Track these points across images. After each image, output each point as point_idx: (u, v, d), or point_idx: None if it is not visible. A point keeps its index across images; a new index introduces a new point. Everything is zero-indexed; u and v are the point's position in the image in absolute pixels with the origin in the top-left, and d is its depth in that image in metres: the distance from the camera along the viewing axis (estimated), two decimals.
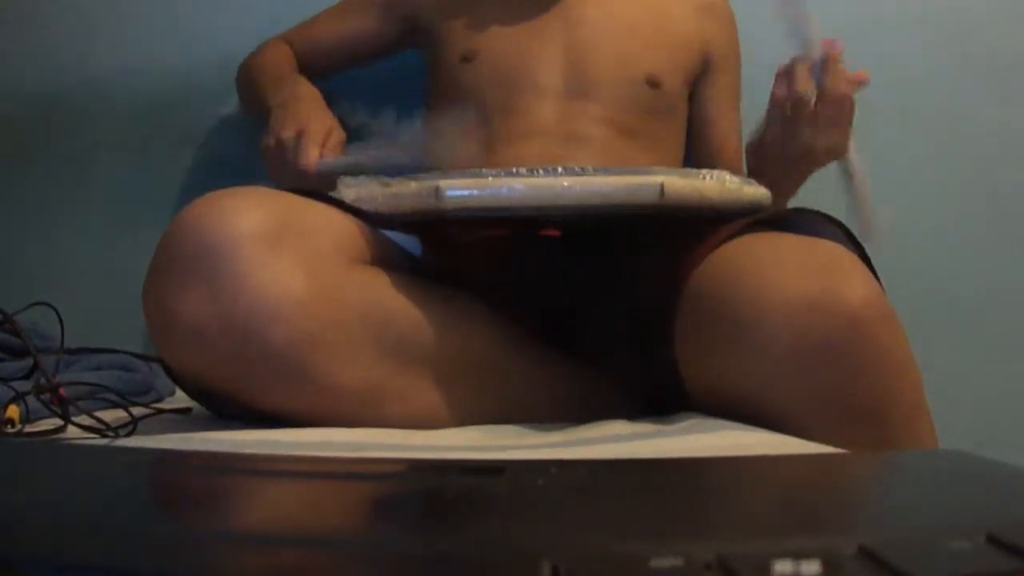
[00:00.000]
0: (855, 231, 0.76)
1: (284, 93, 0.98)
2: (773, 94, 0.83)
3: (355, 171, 0.84)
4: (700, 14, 1.05)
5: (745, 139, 1.01)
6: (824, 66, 0.81)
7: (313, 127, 0.90)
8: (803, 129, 0.81)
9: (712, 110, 1.07)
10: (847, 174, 0.85)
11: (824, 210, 0.77)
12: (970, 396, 1.16)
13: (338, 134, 0.91)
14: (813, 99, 0.81)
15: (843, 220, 0.76)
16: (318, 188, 0.78)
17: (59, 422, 0.63)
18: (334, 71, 1.11)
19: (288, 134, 0.90)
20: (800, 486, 0.44)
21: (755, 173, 0.84)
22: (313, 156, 0.88)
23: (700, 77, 1.06)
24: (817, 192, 0.91)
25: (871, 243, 0.76)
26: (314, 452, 0.58)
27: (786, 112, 0.82)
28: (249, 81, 1.08)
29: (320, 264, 0.68)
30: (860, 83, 0.83)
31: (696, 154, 1.07)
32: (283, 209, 0.69)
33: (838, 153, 0.84)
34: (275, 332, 0.64)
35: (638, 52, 0.99)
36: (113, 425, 0.64)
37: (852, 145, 0.84)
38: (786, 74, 0.82)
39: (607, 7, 1.01)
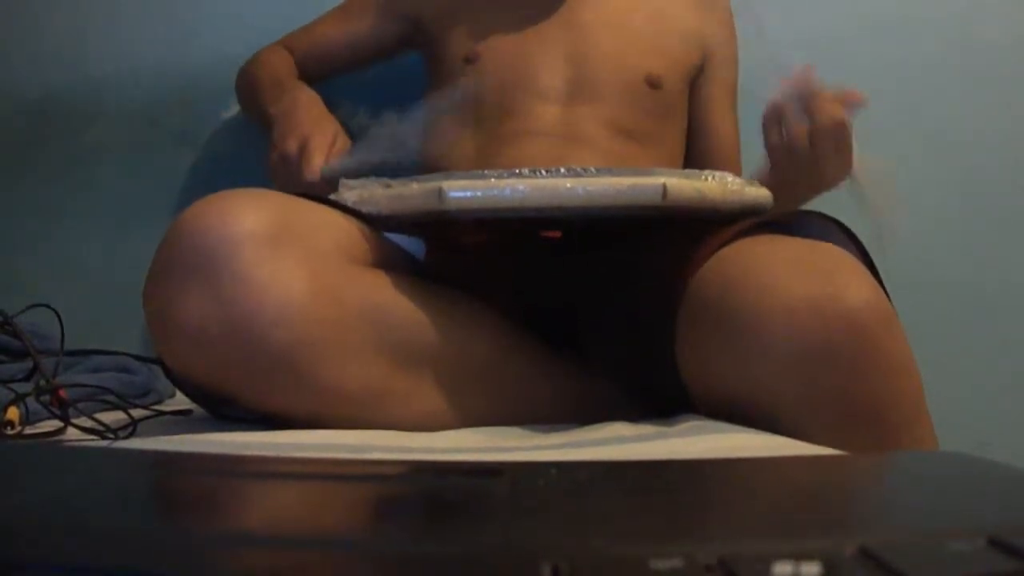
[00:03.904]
0: (871, 240, 0.75)
1: (284, 101, 0.98)
2: (768, 143, 0.83)
3: (360, 172, 0.84)
4: (698, 10, 1.05)
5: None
6: (809, 103, 0.79)
7: (316, 138, 0.89)
8: (805, 168, 0.81)
9: (710, 105, 1.07)
10: (857, 187, 0.84)
11: (827, 212, 0.78)
12: (970, 396, 1.16)
13: (342, 140, 0.91)
14: (807, 136, 0.80)
15: (850, 224, 0.76)
16: (324, 196, 0.78)
17: (59, 424, 0.64)
18: (335, 74, 1.11)
19: (291, 147, 0.90)
20: (800, 488, 0.44)
21: None
22: (317, 168, 0.87)
23: (699, 73, 1.06)
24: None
25: (881, 255, 0.75)
26: (315, 454, 0.58)
27: (784, 159, 0.82)
28: (248, 88, 1.08)
29: (321, 265, 0.68)
30: (854, 103, 0.81)
31: (694, 149, 1.07)
32: (284, 210, 0.69)
33: (843, 176, 0.83)
34: (276, 333, 0.64)
35: (638, 53, 0.99)
36: (113, 427, 0.64)
37: (858, 158, 0.82)
38: (774, 120, 0.81)
39: (607, 9, 1.01)
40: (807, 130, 0.80)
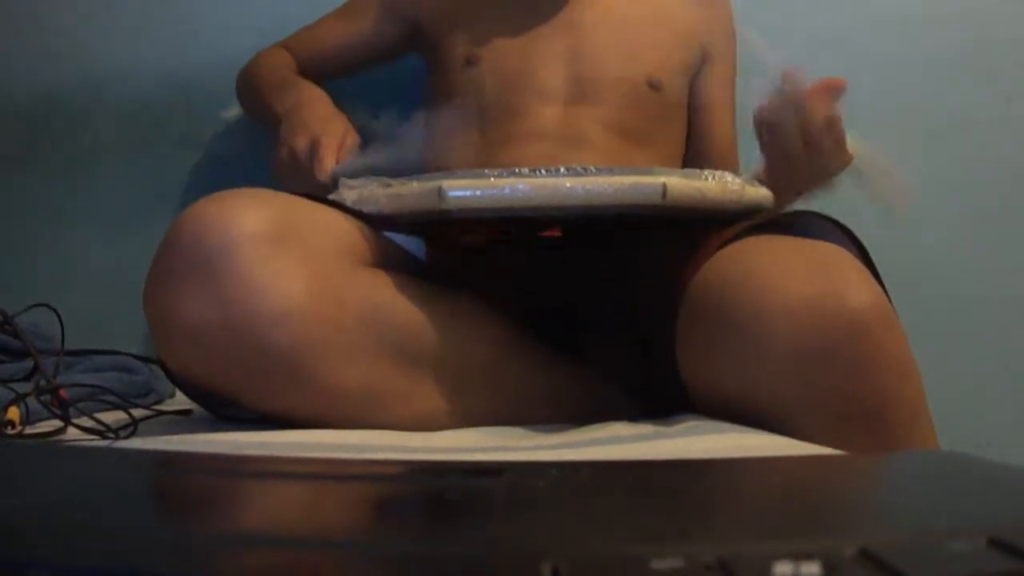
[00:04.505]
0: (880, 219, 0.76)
1: (291, 98, 0.97)
2: (763, 147, 0.80)
3: (368, 172, 0.84)
4: (698, 10, 1.05)
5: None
6: (797, 103, 0.76)
7: (326, 136, 0.88)
8: (804, 166, 0.78)
9: (709, 105, 1.07)
10: (857, 173, 0.82)
11: (824, 211, 0.78)
12: (970, 396, 1.16)
13: (351, 139, 0.90)
14: (800, 137, 0.77)
15: (850, 224, 0.76)
16: (329, 196, 0.78)
17: (59, 424, 0.63)
18: (335, 76, 1.11)
19: (301, 145, 0.89)
20: (800, 488, 0.44)
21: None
22: (328, 167, 0.87)
23: (698, 73, 1.06)
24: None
25: (903, 209, 0.79)
26: (314, 454, 0.58)
27: (781, 162, 0.79)
28: (251, 88, 1.08)
29: (321, 265, 0.68)
30: (837, 91, 0.78)
31: (691, 148, 1.07)
32: (284, 211, 0.69)
33: (842, 167, 0.80)
34: (276, 334, 0.64)
35: (639, 54, 0.99)
36: (113, 427, 0.64)
37: (855, 145, 0.79)
38: (765, 125, 0.79)
39: (608, 10, 1.01)
40: (800, 131, 0.78)
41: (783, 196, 0.82)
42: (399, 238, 0.82)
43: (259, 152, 1.01)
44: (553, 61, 0.98)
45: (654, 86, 0.98)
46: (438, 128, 0.88)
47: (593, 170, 0.71)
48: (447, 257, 0.88)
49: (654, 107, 0.99)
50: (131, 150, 1.21)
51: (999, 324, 1.22)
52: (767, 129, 0.79)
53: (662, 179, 0.70)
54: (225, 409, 0.72)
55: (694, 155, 1.06)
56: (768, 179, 0.81)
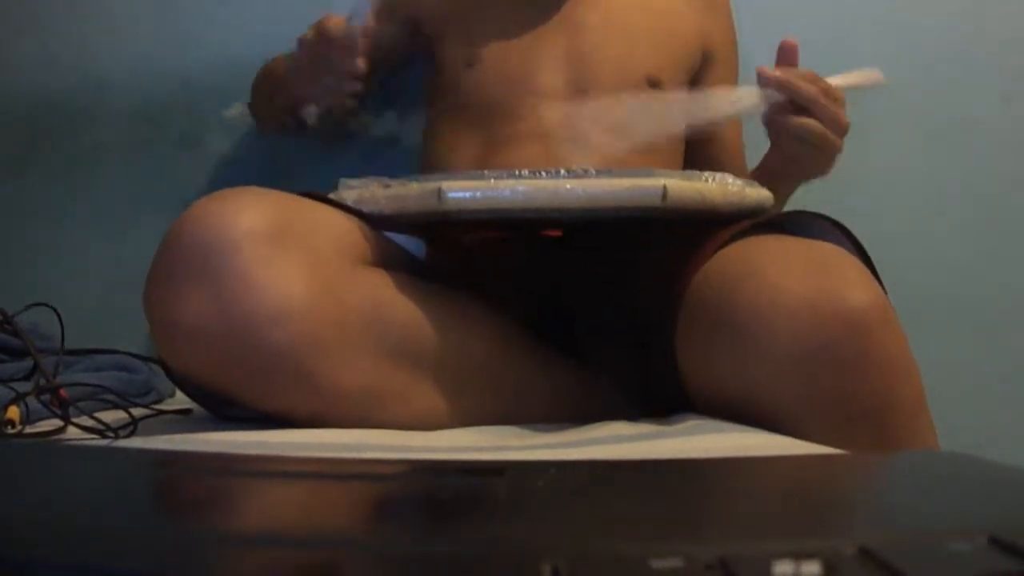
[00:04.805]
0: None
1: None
2: (779, 135, 0.86)
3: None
4: (698, 9, 1.05)
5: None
6: (788, 88, 0.83)
7: (330, 21, 0.89)
8: (821, 138, 0.83)
9: None
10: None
11: (824, 211, 0.78)
12: (970, 396, 1.16)
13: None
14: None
15: (848, 225, 0.76)
16: (330, 196, 0.78)
17: (59, 423, 0.63)
18: None
19: (309, 35, 0.90)
20: (800, 487, 0.44)
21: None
22: (335, 20, 0.87)
23: (699, 73, 1.06)
24: (815, 192, 0.91)
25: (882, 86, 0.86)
26: (314, 453, 0.58)
27: (799, 146, 0.84)
28: (261, 87, 1.07)
29: (322, 265, 0.68)
30: (792, 52, 0.85)
31: (696, 149, 1.07)
32: (284, 210, 0.69)
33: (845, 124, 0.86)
34: (276, 333, 0.64)
35: (638, 54, 0.99)
36: (113, 426, 0.64)
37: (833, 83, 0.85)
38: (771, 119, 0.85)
39: (607, 10, 1.01)
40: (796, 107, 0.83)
41: (799, 170, 0.89)
42: (399, 238, 0.82)
43: (260, 152, 1.01)
44: (553, 61, 0.98)
45: (654, 84, 0.98)
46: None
47: (593, 172, 0.71)
48: (447, 257, 0.88)
49: None
50: (131, 150, 1.21)
51: (1000, 324, 1.22)
52: (772, 122, 0.85)
53: (662, 181, 0.70)
54: (225, 409, 0.72)
55: (700, 156, 1.05)
56: (780, 166, 0.86)
